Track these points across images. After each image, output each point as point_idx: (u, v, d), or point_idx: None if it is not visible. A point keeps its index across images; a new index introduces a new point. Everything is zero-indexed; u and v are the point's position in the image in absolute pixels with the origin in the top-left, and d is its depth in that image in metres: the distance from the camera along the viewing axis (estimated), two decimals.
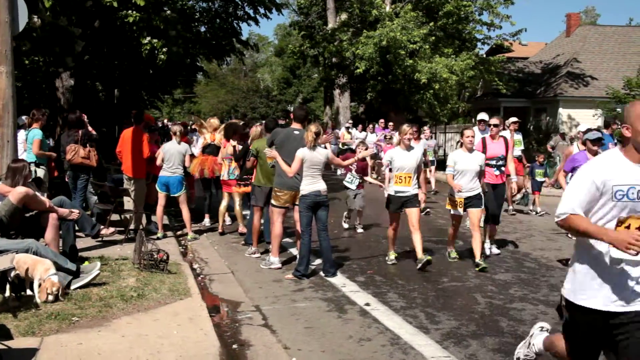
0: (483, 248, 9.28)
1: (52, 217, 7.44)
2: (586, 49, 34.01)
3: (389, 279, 8.27)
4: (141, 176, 10.65)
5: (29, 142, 10.45)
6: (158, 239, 10.06)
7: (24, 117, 11.26)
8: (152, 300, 6.64)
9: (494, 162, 9.66)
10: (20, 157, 8.52)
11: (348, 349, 5.70)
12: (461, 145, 9.29)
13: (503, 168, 9.77)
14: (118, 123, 21.66)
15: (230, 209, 11.75)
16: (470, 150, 9.05)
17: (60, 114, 16.46)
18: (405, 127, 9.09)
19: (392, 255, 9.23)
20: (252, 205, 9.88)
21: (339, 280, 8.17)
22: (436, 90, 25.61)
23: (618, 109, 25.65)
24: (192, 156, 11.51)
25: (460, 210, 9.06)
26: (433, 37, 25.83)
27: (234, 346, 5.69)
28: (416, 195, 8.94)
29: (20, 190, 7.21)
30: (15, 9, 8.06)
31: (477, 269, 8.71)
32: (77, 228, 8.19)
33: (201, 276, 8.33)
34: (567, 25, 37.83)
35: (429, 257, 8.68)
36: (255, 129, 10.59)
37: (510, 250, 10.22)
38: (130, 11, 14.24)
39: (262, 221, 10.16)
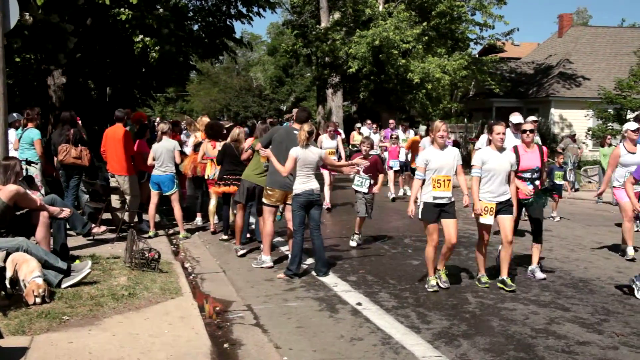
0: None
1: (43, 215, 7.42)
2: (578, 50, 34.17)
3: (381, 279, 8.28)
4: (130, 173, 10.63)
5: (24, 141, 10.41)
6: (149, 237, 10.05)
7: (15, 114, 11.20)
8: (143, 299, 6.63)
9: (527, 175, 8.31)
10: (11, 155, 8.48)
11: (339, 349, 5.70)
12: (489, 143, 8.12)
13: (538, 182, 8.44)
14: (110, 121, 21.55)
15: (220, 207, 11.76)
16: (501, 149, 7.87)
17: (52, 112, 16.38)
18: (438, 123, 7.87)
19: (432, 281, 7.79)
20: (235, 202, 9.88)
21: (331, 279, 8.17)
22: (429, 90, 25.68)
23: (610, 110, 25.79)
24: (182, 153, 11.47)
25: (491, 218, 7.77)
26: (426, 37, 25.91)
27: (225, 345, 5.68)
28: (454, 203, 7.76)
29: (11, 188, 7.18)
30: (6, 6, 8.03)
31: (500, 285, 7.77)
32: (68, 226, 8.17)
33: (192, 275, 8.32)
34: (559, 26, 38.03)
35: (448, 286, 7.73)
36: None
37: None
38: (122, 9, 14.19)
39: (254, 220, 10.15)
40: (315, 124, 18.72)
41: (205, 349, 5.31)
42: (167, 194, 10.59)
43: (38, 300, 6.11)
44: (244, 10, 21.28)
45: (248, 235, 10.46)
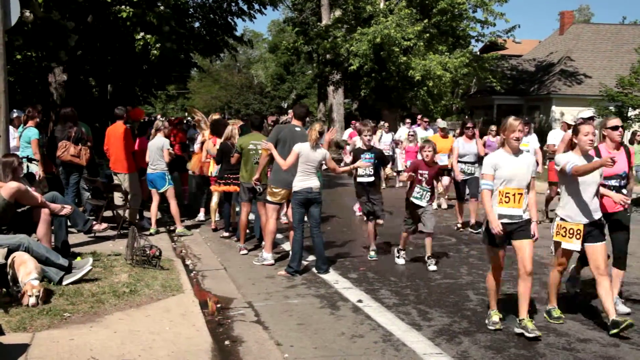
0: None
1: (44, 212, 7.42)
2: (579, 47, 34.13)
3: (382, 276, 8.27)
4: (131, 171, 10.64)
5: (24, 140, 10.41)
6: (151, 234, 10.05)
7: (15, 111, 11.19)
8: (144, 296, 6.63)
9: (613, 183, 6.59)
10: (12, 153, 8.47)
11: (340, 346, 5.70)
12: (571, 147, 6.29)
13: (625, 190, 6.71)
14: (111, 119, 21.62)
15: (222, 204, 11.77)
16: (587, 154, 6.20)
17: (53, 109, 16.40)
18: (512, 121, 6.14)
19: (495, 317, 6.25)
20: (239, 202, 9.89)
21: (332, 276, 8.17)
22: (430, 87, 25.67)
23: (611, 107, 25.75)
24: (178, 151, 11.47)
25: (577, 243, 6.17)
26: (427, 34, 25.88)
27: (226, 342, 5.69)
28: (529, 222, 6.14)
29: (12, 185, 7.18)
30: (7, 3, 8.01)
31: (610, 332, 5.98)
32: (69, 223, 8.17)
33: (194, 272, 8.32)
34: (561, 23, 37.99)
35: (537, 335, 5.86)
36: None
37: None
38: (123, 6, 14.20)
39: (253, 218, 10.15)
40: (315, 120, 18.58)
41: (206, 346, 5.32)
42: (160, 191, 10.59)
43: (32, 300, 6.09)
44: (244, 8, 21.30)
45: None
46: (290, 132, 8.77)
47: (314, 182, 8.25)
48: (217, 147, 10.90)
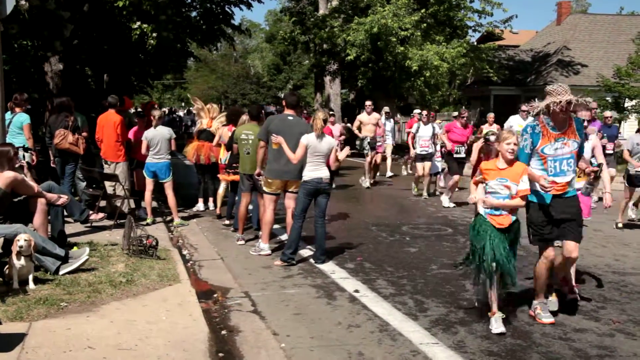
0: None
1: (41, 202, 7.41)
2: (576, 38, 34.10)
3: (378, 266, 8.28)
4: (120, 160, 10.63)
5: (14, 126, 10.37)
6: (147, 224, 10.06)
7: None
8: (141, 286, 6.65)
9: None
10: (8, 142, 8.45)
11: (337, 335, 5.71)
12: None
13: None
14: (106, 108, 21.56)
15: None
16: None
17: (49, 99, 16.35)
18: None
19: None
20: (241, 191, 9.91)
21: (329, 266, 8.18)
22: (427, 78, 25.62)
23: (608, 98, 25.76)
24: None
25: None
26: (424, 24, 25.80)
27: (223, 332, 5.70)
28: None
29: (9, 174, 7.16)
30: None
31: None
32: (65, 213, 8.17)
33: (190, 262, 8.33)
34: (558, 14, 37.96)
35: None
36: (241, 119, 10.56)
37: None
38: None
39: (251, 207, 10.16)
40: (312, 110, 18.44)
41: (202, 335, 5.33)
42: (163, 181, 10.59)
43: (21, 242, 6.23)
44: None
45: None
46: (282, 121, 8.71)
47: (324, 173, 8.22)
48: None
